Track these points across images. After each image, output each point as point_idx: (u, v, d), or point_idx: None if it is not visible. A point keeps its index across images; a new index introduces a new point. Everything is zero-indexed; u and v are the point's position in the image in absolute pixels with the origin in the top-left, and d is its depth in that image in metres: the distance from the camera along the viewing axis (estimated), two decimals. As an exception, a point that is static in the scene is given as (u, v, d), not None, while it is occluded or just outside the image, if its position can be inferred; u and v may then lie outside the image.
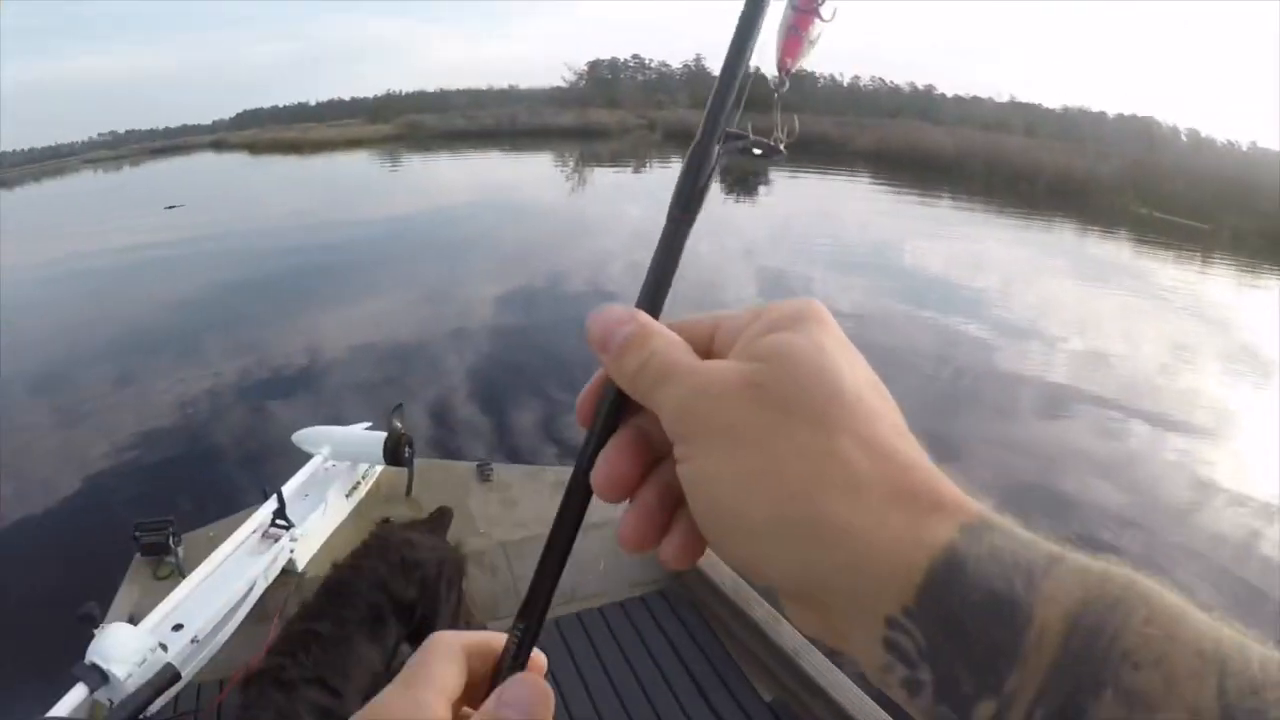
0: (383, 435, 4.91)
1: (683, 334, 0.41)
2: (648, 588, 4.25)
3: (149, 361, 12.63)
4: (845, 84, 70.70)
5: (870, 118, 54.85)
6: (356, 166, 45.05)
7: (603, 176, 34.18)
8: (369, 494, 5.37)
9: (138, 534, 4.69)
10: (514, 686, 0.42)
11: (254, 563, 4.16)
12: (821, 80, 68.41)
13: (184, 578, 4.09)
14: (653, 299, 0.43)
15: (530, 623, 0.45)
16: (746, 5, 0.45)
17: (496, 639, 0.46)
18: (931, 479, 0.35)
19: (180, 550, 4.64)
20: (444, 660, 0.44)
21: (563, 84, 72.18)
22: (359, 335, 12.35)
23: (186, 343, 13.34)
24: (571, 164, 38.75)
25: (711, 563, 3.95)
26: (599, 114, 58.34)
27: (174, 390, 11.04)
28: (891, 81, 71.27)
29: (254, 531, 4.41)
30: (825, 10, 0.49)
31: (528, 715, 0.41)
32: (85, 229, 31.05)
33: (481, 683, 0.45)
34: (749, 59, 0.46)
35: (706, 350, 0.41)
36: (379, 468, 5.40)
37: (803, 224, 22.29)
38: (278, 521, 4.44)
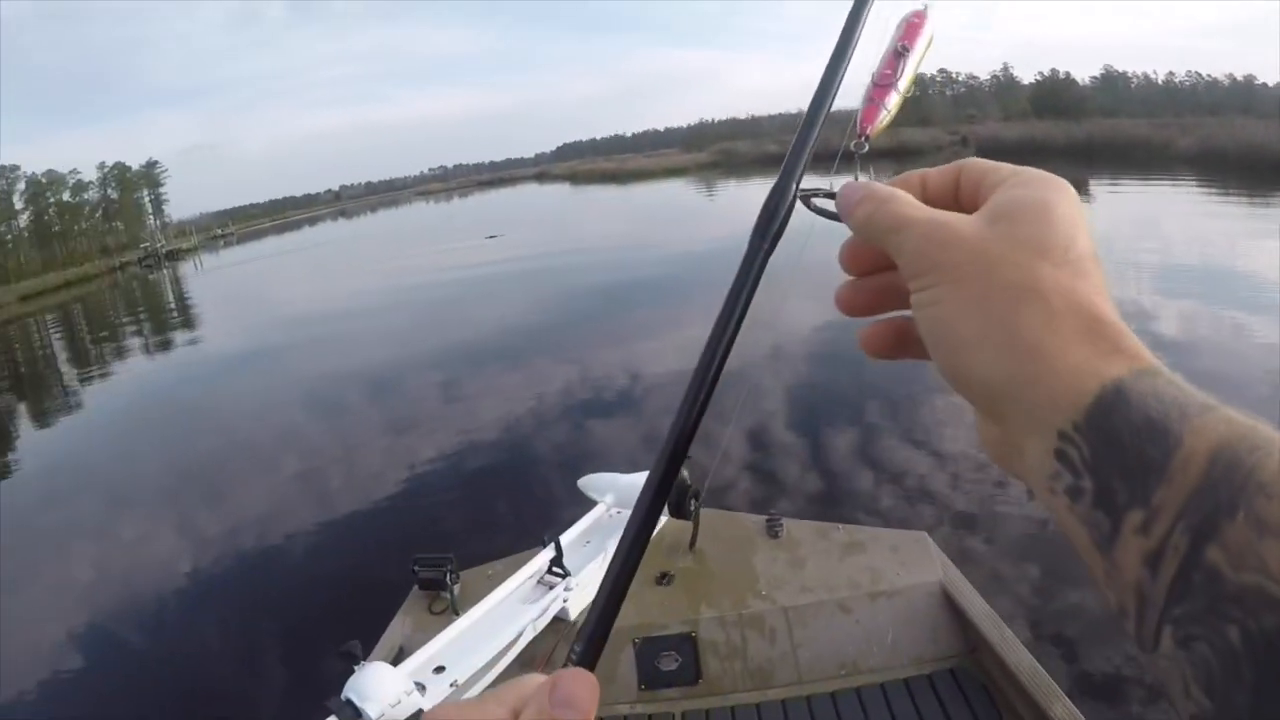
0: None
1: (912, 188, 0.52)
2: (937, 665, 3.82)
3: (455, 387, 13.33)
4: (1160, 81, 65.06)
5: (1190, 115, 49.67)
6: (672, 193, 46.03)
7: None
8: (651, 545, 4.30)
9: (416, 568, 4.79)
10: (567, 681, 0.42)
11: (526, 610, 4.11)
12: (1135, 79, 63.59)
13: (457, 615, 4.15)
14: (729, 313, 0.52)
15: (589, 645, 0.46)
16: (825, 72, 0.58)
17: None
18: (1117, 331, 0.41)
19: (457, 588, 4.67)
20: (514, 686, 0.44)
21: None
22: (665, 364, 12.08)
23: (494, 369, 13.97)
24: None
25: (1006, 640, 3.61)
26: (910, 132, 55.91)
27: (473, 418, 11.28)
28: (1209, 75, 64.59)
29: (530, 577, 4.42)
30: (902, 84, 0.63)
31: (582, 713, 0.41)
32: (415, 254, 34.38)
33: None
34: (824, 115, 0.59)
35: (944, 196, 0.50)
36: (663, 519, 4.86)
37: (1126, 241, 19.40)
38: (554, 569, 4.45)
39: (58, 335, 35.82)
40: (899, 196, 0.49)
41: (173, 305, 38.78)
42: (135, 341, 27.93)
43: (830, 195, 0.54)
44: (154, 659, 7.06)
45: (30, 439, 16.90)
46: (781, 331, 11.42)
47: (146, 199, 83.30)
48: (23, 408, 20.65)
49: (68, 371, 25.23)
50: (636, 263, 22.84)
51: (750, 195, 39.97)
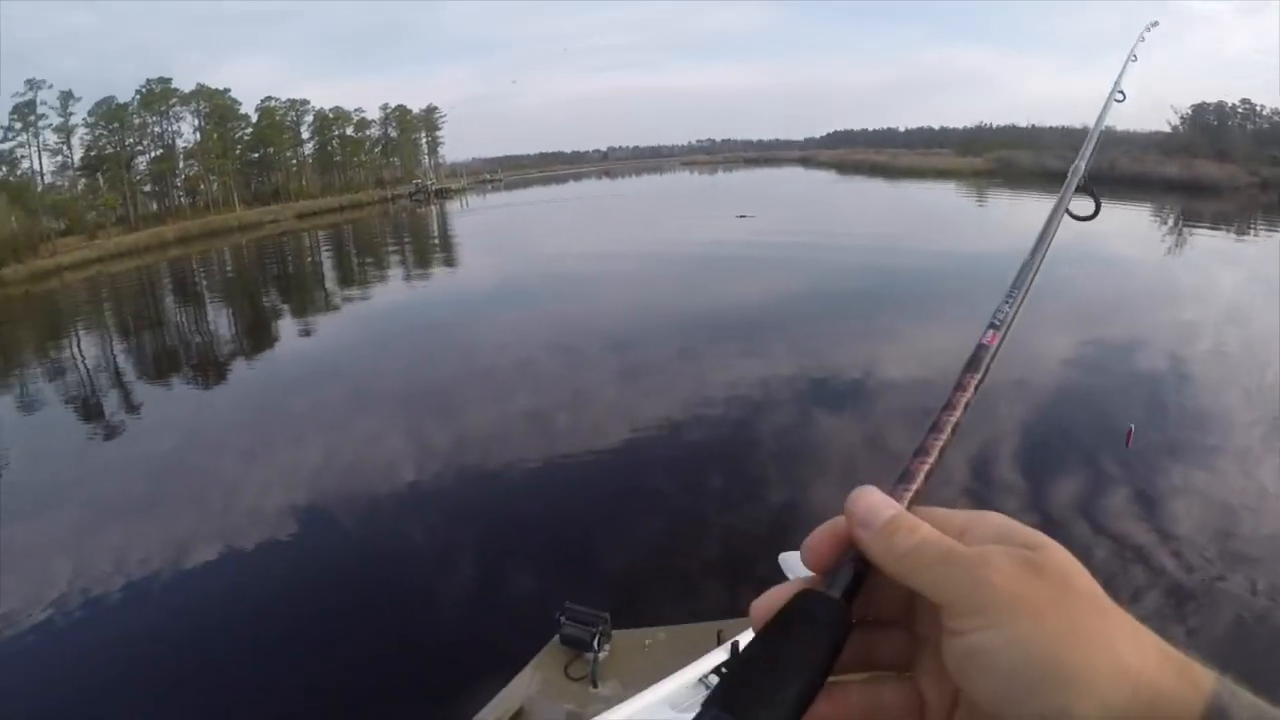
0: None
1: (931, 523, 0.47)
2: None
3: (684, 364, 12.91)
4: None
5: None
6: (942, 197, 44.07)
7: (1201, 239, 28.97)
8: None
9: (562, 619, 4.33)
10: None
11: (681, 717, 3.42)
12: None
13: (595, 688, 3.85)
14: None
15: None
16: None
17: None
18: (1178, 652, 0.41)
19: (603, 654, 4.21)
20: None
21: (1166, 129, 62.37)
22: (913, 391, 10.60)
23: (728, 350, 13.49)
24: (1170, 221, 33.89)
25: None
26: (1206, 166, 49.44)
27: (689, 412, 10.51)
28: None
29: (693, 680, 3.64)
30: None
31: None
32: (668, 222, 34.84)
33: None
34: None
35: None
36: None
37: None
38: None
39: (327, 251, 39.22)
40: (928, 526, 0.46)
41: (435, 238, 41.09)
42: (396, 265, 30.10)
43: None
44: (360, 541, 7.64)
45: (291, 337, 18.55)
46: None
47: (423, 140, 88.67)
48: (288, 309, 22.82)
49: (331, 283, 27.48)
50: (891, 266, 21.67)
51: (1027, 214, 37.46)
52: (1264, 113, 59.82)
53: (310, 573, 7.14)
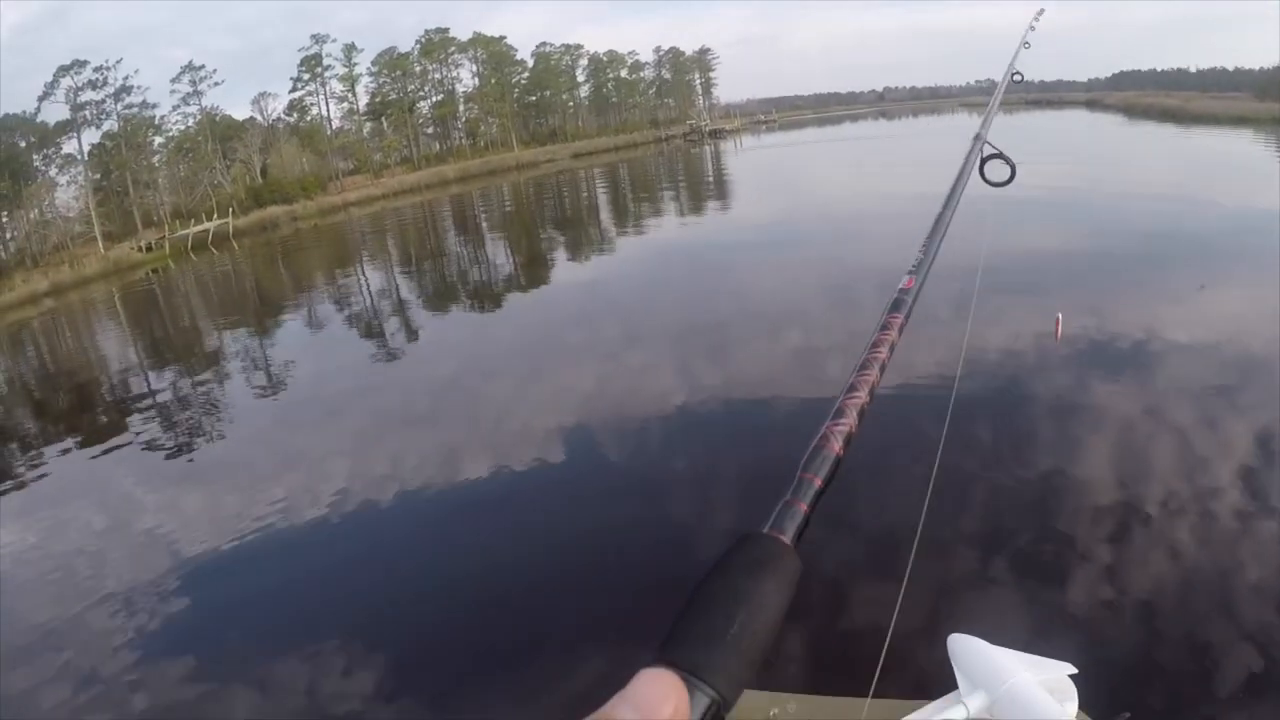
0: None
1: None
2: None
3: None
4: None
5: None
6: (1237, 145, 38.19)
7: None
8: None
9: None
10: (640, 683, 0.38)
11: None
12: None
13: None
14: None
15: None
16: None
17: None
18: None
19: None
20: None
21: None
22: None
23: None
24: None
25: None
26: None
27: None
28: None
29: None
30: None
31: (643, 714, 0.36)
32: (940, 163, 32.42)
33: None
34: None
35: None
36: None
37: None
38: None
39: (603, 188, 39.83)
40: None
41: (709, 177, 40.93)
42: (669, 203, 29.77)
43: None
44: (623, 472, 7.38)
45: (565, 270, 18.58)
46: None
47: (697, 81, 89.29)
48: (563, 243, 23.03)
49: (606, 219, 27.70)
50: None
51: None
52: None
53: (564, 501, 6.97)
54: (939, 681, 2.77)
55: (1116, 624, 5.01)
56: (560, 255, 20.80)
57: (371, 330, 14.23)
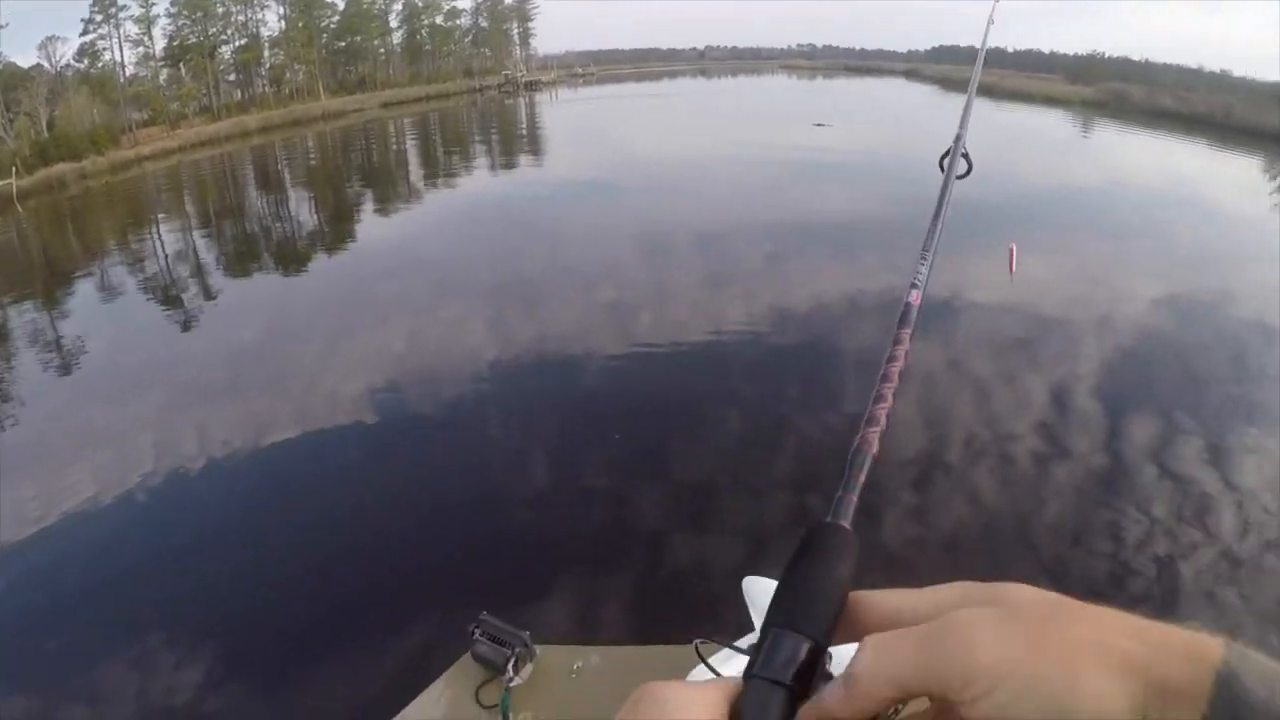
0: None
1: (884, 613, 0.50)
2: None
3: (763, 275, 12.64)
4: None
5: None
6: (1047, 123, 42.08)
7: None
8: None
9: (476, 630, 3.77)
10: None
11: None
12: None
13: None
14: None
15: None
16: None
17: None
18: (1177, 628, 0.42)
19: (519, 679, 3.69)
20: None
21: None
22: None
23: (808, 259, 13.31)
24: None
25: None
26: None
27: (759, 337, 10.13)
28: None
29: None
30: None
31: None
32: (751, 124, 34.13)
33: None
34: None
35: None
36: None
37: None
38: None
39: (413, 140, 39.26)
40: (874, 646, 0.47)
41: (522, 129, 40.98)
42: (482, 156, 30.04)
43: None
44: (433, 430, 7.87)
45: (373, 225, 18.78)
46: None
47: (515, 31, 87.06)
48: (371, 197, 22.96)
49: (416, 172, 27.64)
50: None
51: (1128, 145, 35.71)
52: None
53: (376, 464, 7.35)
54: (736, 625, 3.69)
55: (921, 557, 6.18)
56: (368, 210, 20.93)
57: (169, 297, 13.94)
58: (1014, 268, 11.48)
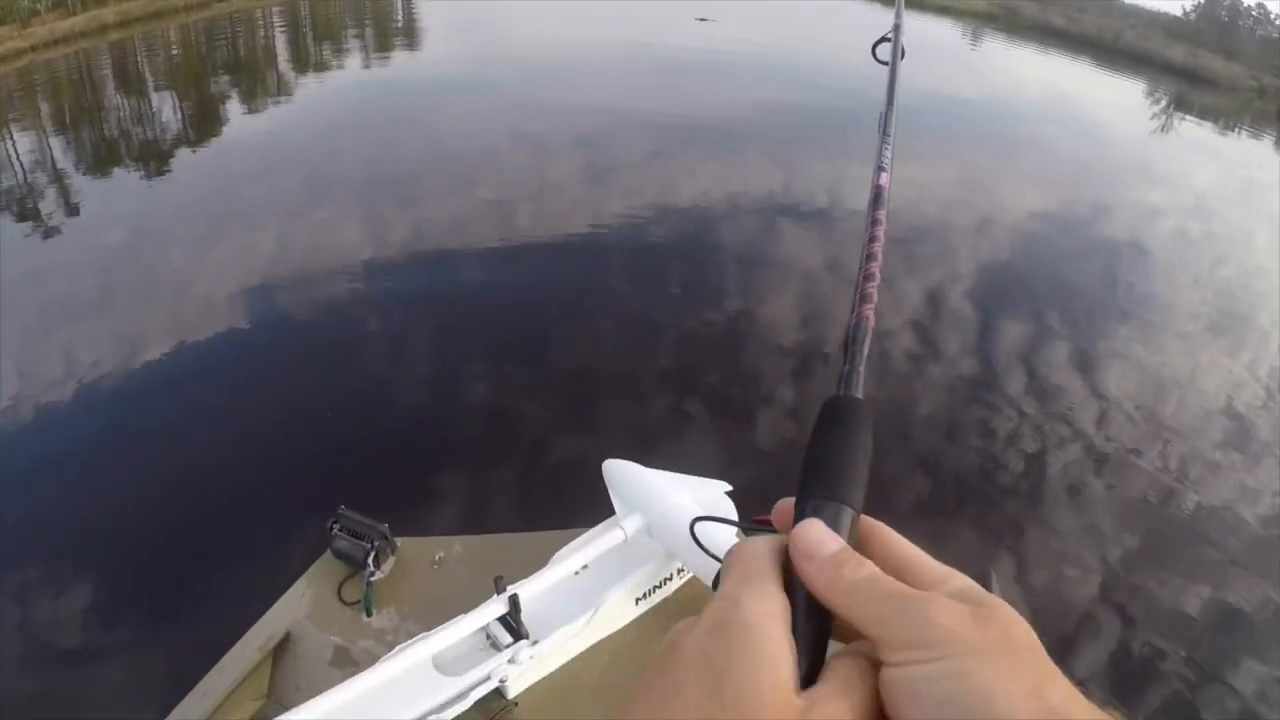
0: (728, 542, 2.74)
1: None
2: None
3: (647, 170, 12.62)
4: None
5: None
6: (936, 32, 42.53)
7: (1188, 129, 29.07)
8: (668, 603, 3.72)
9: (335, 526, 3.66)
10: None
11: (448, 682, 2.99)
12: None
13: (367, 617, 3.34)
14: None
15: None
16: None
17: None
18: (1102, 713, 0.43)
19: (380, 573, 3.66)
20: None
21: (1179, 14, 60.23)
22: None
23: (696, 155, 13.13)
24: (1163, 104, 33.17)
25: None
26: (1211, 60, 48.00)
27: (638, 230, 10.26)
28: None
29: (476, 630, 3.22)
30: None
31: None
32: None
33: None
34: None
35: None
36: (693, 575, 3.73)
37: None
38: (509, 622, 3.20)
39: (282, 30, 37.08)
40: (872, 564, 0.49)
41: (397, 18, 39.21)
42: (355, 47, 28.73)
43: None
44: (312, 330, 7.84)
45: (242, 123, 17.81)
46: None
47: None
48: (237, 93, 21.74)
49: (286, 66, 26.30)
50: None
51: (1018, 59, 36.49)
52: (1276, 20, 57.50)
53: (256, 367, 7.30)
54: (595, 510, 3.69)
55: (782, 448, 6.34)
56: (235, 107, 19.79)
57: (25, 208, 13.01)
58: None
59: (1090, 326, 9.03)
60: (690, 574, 3.74)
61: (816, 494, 0.53)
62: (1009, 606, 0.46)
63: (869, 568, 0.48)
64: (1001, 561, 5.83)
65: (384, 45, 29.46)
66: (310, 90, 20.78)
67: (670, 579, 3.74)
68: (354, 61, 25.31)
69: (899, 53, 1.28)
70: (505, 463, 6.04)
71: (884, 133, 0.96)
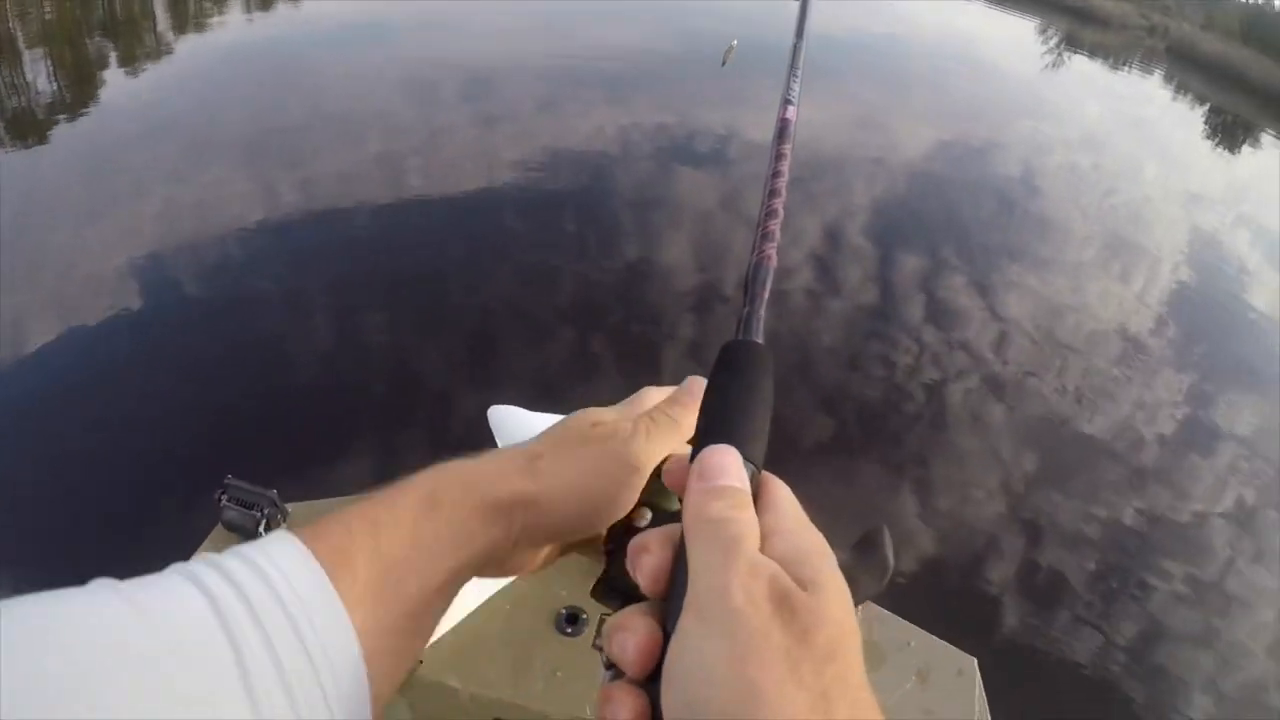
0: None
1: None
2: None
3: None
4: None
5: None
6: None
7: (1079, 64, 29.92)
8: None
9: (223, 497, 3.33)
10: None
11: None
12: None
13: None
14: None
15: None
16: None
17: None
18: None
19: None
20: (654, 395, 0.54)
21: None
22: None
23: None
24: (1054, 42, 33.78)
25: None
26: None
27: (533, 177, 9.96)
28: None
29: None
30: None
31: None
32: None
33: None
34: None
35: None
36: None
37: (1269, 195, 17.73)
38: None
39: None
40: (746, 516, 0.47)
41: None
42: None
43: None
44: (203, 300, 7.35)
45: (119, 83, 16.86)
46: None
47: None
48: (113, 52, 20.62)
49: (164, 19, 25.00)
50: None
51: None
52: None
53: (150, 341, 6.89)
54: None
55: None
56: (114, 69, 18.62)
57: None
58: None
59: (985, 259, 9.22)
60: None
61: (729, 439, 0.50)
62: (836, 599, 0.43)
63: (735, 516, 0.46)
64: (904, 494, 5.90)
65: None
66: (191, 45, 19.75)
67: None
68: (235, 10, 24.15)
69: None
70: (403, 419, 5.88)
71: (793, 66, 0.94)
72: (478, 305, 7.23)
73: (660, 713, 0.42)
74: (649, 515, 0.63)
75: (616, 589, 0.58)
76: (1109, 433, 7.10)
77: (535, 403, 4.00)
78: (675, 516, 0.50)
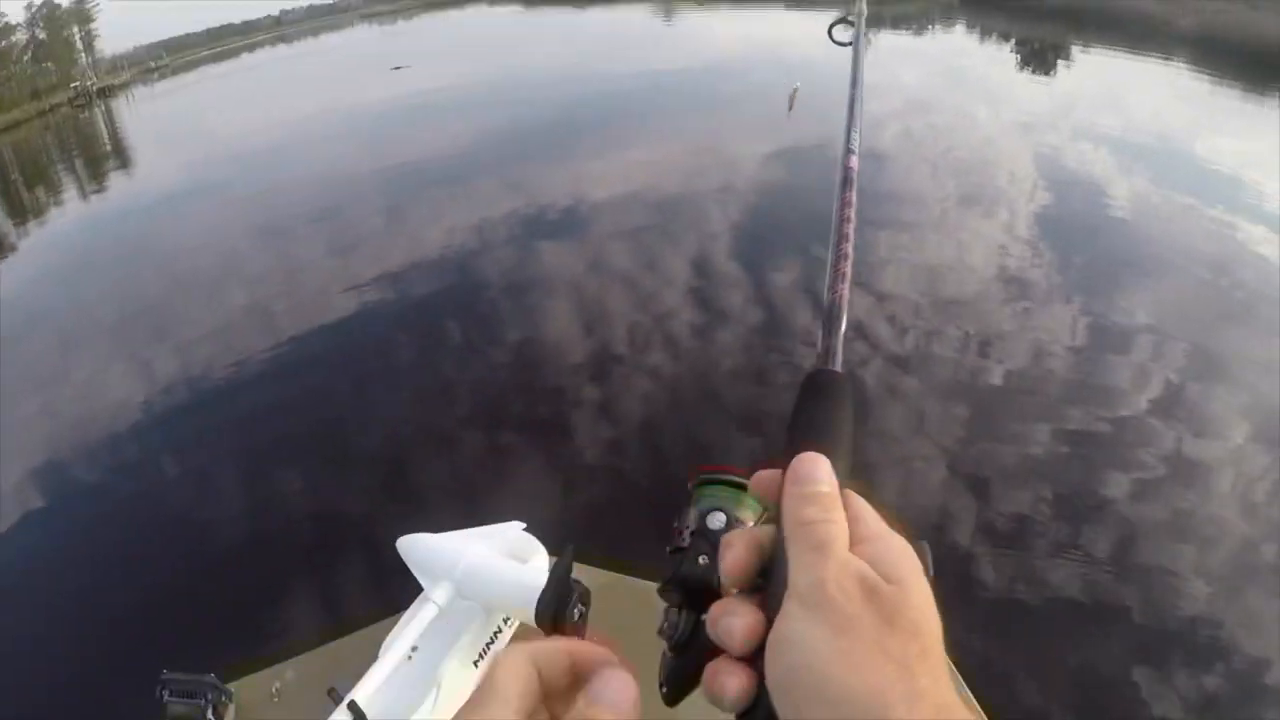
0: (539, 574, 2.10)
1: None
2: None
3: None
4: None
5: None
6: (633, 18, 43.83)
7: (887, 40, 31.15)
8: None
9: (165, 694, 3.39)
10: (601, 683, 0.49)
11: None
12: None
13: None
14: None
15: None
16: None
17: (572, 645, 0.51)
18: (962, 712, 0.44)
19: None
20: (512, 674, 0.49)
21: None
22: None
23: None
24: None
25: None
26: None
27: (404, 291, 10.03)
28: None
29: None
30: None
31: (620, 713, 0.48)
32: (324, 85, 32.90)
33: (565, 689, 0.51)
34: None
35: None
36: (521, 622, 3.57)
37: (1094, 102, 19.17)
38: None
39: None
40: (837, 520, 0.51)
41: (106, 144, 36.90)
42: (70, 184, 26.76)
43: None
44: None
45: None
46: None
47: (77, 36, 75.93)
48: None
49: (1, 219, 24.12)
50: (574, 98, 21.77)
51: (709, 23, 37.95)
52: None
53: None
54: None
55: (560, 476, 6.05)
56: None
57: None
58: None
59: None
60: (517, 621, 3.47)
61: (823, 450, 0.54)
62: (918, 591, 0.47)
63: (830, 520, 0.51)
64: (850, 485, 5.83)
65: (97, 171, 27.86)
66: (31, 240, 19.05)
67: (499, 631, 3.45)
68: (71, 196, 23.54)
69: (862, 31, 1.33)
70: (331, 562, 5.60)
71: (850, 116, 0.96)
72: (380, 436, 7.07)
73: (764, 681, 0.48)
74: (723, 519, 0.67)
75: (683, 585, 0.63)
76: (1023, 368, 7.21)
77: (465, 508, 3.86)
78: (741, 521, 0.65)
